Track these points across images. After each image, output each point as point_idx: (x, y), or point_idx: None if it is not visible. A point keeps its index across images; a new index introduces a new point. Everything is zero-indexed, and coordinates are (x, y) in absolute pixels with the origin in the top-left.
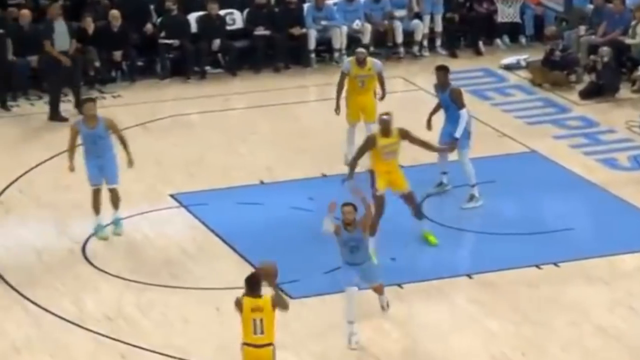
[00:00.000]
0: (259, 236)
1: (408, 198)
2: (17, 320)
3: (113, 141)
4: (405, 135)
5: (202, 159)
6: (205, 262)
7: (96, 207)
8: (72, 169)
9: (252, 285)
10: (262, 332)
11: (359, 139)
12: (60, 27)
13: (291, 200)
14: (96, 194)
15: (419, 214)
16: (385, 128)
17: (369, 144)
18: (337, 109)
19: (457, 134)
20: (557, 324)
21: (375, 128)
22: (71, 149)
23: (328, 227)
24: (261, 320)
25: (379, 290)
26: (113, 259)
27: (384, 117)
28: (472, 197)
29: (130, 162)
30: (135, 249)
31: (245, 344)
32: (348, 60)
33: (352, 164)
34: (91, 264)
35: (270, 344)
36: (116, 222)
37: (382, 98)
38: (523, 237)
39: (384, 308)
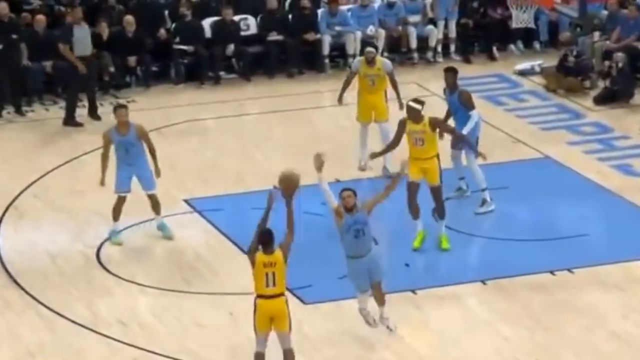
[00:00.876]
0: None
1: (435, 192)
2: (31, 325)
3: (144, 148)
4: (436, 123)
5: (216, 164)
6: (219, 267)
7: (116, 214)
8: (103, 183)
9: (266, 243)
10: (274, 285)
11: (372, 142)
12: (82, 32)
13: (304, 205)
14: (121, 201)
15: (441, 211)
16: (411, 115)
17: (400, 127)
18: (340, 100)
19: (465, 131)
20: (571, 329)
21: (387, 128)
22: (104, 160)
23: (330, 198)
24: (273, 273)
25: (378, 294)
26: (127, 264)
27: (411, 104)
28: (484, 202)
29: (157, 172)
30: (149, 254)
31: (258, 296)
32: (358, 59)
33: (385, 150)
34: (105, 268)
35: (282, 294)
36: (162, 227)
37: (401, 106)
38: (537, 243)
39: (390, 329)
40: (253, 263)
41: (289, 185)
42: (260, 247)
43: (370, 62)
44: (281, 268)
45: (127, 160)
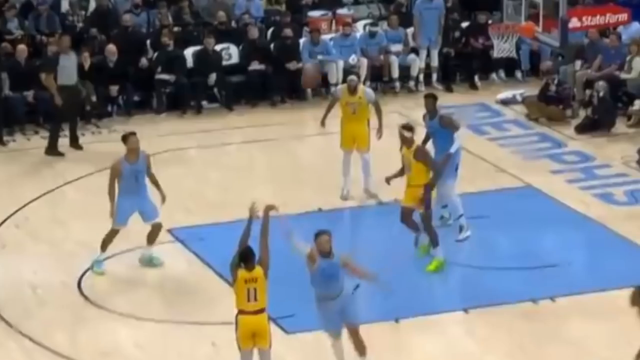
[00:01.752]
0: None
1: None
2: (11, 356)
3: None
4: (414, 153)
5: (199, 193)
6: (202, 298)
7: (106, 244)
8: (113, 214)
9: (247, 259)
10: (255, 300)
11: (356, 170)
12: (68, 61)
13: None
14: (114, 233)
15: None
16: (402, 141)
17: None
18: (323, 122)
19: (452, 150)
20: (554, 359)
21: (368, 157)
22: (112, 193)
23: (300, 249)
24: (255, 289)
25: (357, 341)
26: (109, 294)
27: (402, 131)
28: (461, 228)
29: (164, 199)
30: (132, 284)
31: (240, 312)
32: (340, 87)
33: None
34: (87, 299)
35: (264, 310)
36: (151, 258)
37: (380, 136)
38: (519, 272)
39: None
40: (235, 279)
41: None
42: (241, 263)
43: (353, 90)
44: (262, 284)
45: (135, 189)
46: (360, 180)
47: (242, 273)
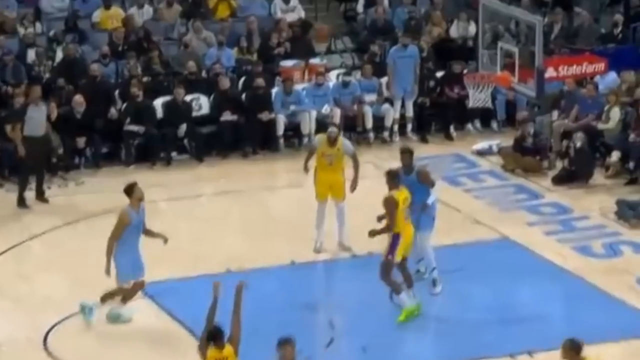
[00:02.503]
0: (226, 327)
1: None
2: None
3: None
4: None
5: (169, 247)
6: (172, 355)
7: (108, 298)
8: (109, 272)
9: (216, 338)
10: None
11: (329, 222)
12: (37, 112)
13: (259, 289)
14: (139, 286)
15: (410, 281)
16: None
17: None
18: (306, 168)
19: (429, 201)
20: None
21: (344, 207)
22: (112, 246)
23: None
24: None
25: None
26: (76, 350)
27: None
28: (435, 281)
29: (166, 240)
30: (100, 340)
31: None
32: (319, 137)
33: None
34: (52, 355)
35: None
36: (119, 315)
37: (353, 189)
38: (496, 326)
39: None
40: (204, 358)
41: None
42: (211, 342)
43: (333, 142)
44: None
45: (137, 241)
46: (334, 232)
47: (211, 352)
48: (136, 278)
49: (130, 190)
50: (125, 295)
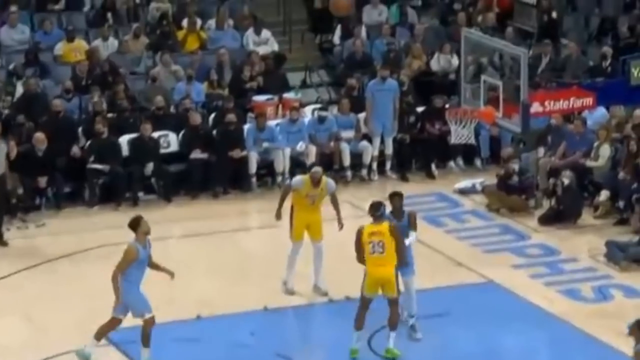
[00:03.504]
0: None
1: (392, 304)
2: None
3: None
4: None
5: None
6: None
7: (102, 335)
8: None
9: None
10: None
11: (302, 265)
12: None
13: (231, 335)
14: (117, 323)
15: (394, 325)
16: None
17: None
18: (278, 215)
19: (408, 243)
20: None
21: (322, 247)
22: (118, 279)
23: None
24: None
25: None
26: None
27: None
28: (414, 327)
29: (172, 275)
30: None
31: None
32: (301, 178)
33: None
34: None
35: None
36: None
37: (342, 227)
38: None
39: None
40: None
41: None
42: None
43: (317, 182)
44: None
45: (142, 276)
46: (309, 275)
47: None
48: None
49: (135, 224)
50: (144, 336)
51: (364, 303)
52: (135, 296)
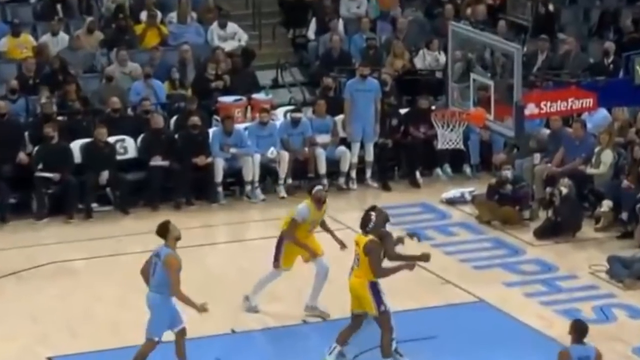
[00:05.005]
0: None
1: (379, 325)
2: None
3: None
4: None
5: (88, 314)
6: None
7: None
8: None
9: None
10: None
11: (281, 288)
12: None
13: None
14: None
15: (382, 349)
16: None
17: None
18: (277, 265)
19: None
20: None
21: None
22: (182, 293)
23: None
24: None
25: None
26: None
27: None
28: (398, 351)
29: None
30: None
31: None
32: (305, 207)
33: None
34: None
35: None
36: None
37: (343, 247)
38: None
39: None
40: None
41: None
42: None
43: (323, 203)
44: None
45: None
46: (281, 295)
47: None
48: (175, 327)
49: (164, 230)
50: (179, 349)
51: (351, 318)
52: (167, 311)
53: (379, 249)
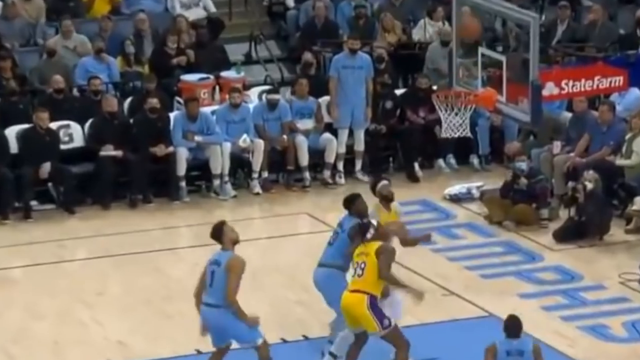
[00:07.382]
0: None
1: (391, 344)
2: None
3: None
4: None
5: (26, 330)
6: None
7: None
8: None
9: None
10: None
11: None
12: None
13: None
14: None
15: None
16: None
17: None
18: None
19: None
20: None
21: None
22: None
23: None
24: None
25: None
26: None
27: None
28: None
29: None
30: None
31: None
32: (373, 212)
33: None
34: None
35: None
36: None
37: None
38: None
39: None
40: None
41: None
42: None
43: (391, 201)
44: None
45: None
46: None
47: None
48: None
49: (219, 233)
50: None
51: (355, 336)
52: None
53: (394, 253)
